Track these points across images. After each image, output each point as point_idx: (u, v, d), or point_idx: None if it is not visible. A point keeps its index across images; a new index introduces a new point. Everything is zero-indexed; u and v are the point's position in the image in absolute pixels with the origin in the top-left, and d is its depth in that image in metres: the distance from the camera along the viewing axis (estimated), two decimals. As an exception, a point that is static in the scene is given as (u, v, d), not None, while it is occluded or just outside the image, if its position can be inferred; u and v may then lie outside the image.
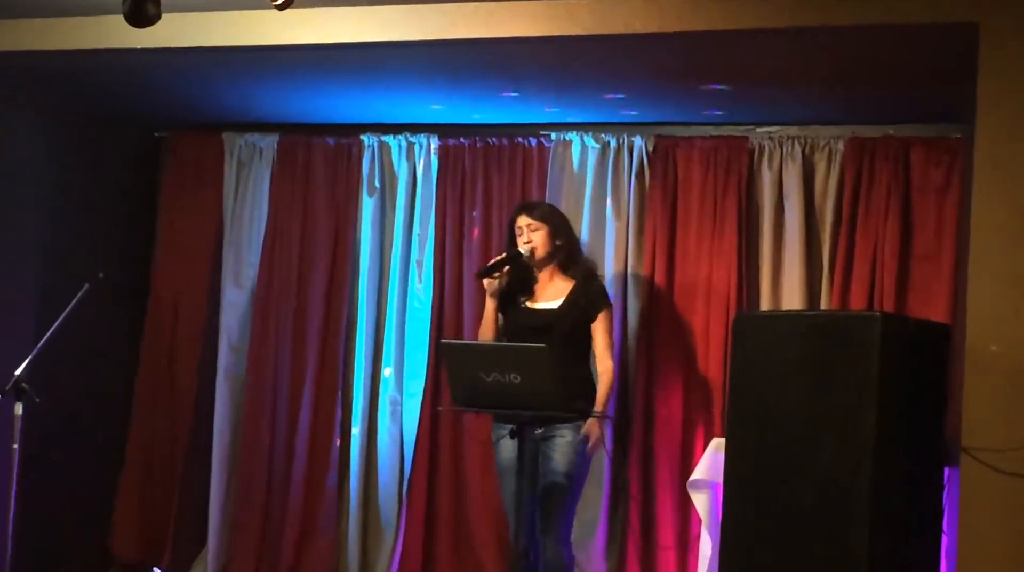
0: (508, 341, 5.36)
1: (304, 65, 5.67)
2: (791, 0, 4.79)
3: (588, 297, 5.40)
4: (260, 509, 6.67)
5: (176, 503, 6.76)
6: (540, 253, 5.43)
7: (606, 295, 5.48)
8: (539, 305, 5.44)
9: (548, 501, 5.21)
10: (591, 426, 5.18)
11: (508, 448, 5.21)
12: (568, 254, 5.47)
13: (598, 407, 5.23)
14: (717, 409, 6.10)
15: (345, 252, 6.70)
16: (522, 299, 5.46)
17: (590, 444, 5.19)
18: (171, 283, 6.90)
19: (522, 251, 5.42)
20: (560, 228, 5.47)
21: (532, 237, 5.43)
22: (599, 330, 5.37)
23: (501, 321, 5.49)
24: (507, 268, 5.42)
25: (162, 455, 6.82)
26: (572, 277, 5.45)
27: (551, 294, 5.44)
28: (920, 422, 4.65)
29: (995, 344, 4.59)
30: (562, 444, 5.22)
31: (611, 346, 5.40)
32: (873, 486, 4.34)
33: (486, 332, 5.45)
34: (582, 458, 5.25)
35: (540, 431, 5.18)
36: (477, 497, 6.41)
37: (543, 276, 5.48)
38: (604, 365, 5.34)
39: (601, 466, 6.12)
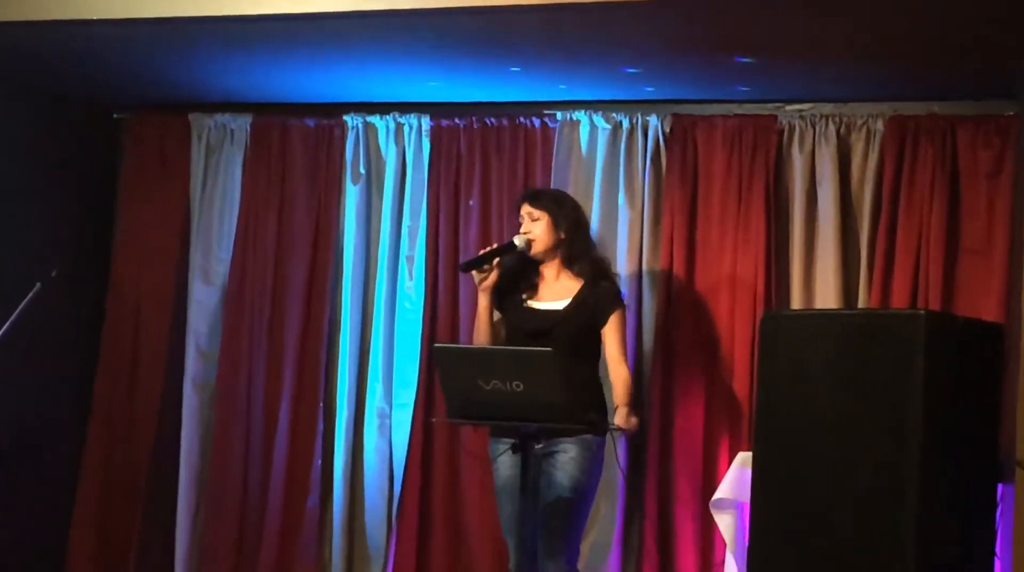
0: (507, 344, 5.35)
1: (280, 37, 5.66)
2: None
3: (597, 299, 5.39)
4: (233, 534, 6.68)
5: (138, 527, 6.76)
6: (539, 246, 5.42)
7: (619, 296, 5.46)
8: (542, 305, 5.43)
9: (552, 519, 5.21)
10: (619, 414, 5.19)
11: (507, 466, 5.22)
12: (573, 249, 5.46)
13: (620, 420, 5.20)
14: (743, 420, 6.10)
15: (327, 246, 6.71)
16: (523, 296, 5.45)
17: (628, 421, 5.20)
18: (132, 281, 6.90)
19: (516, 242, 5.42)
20: (564, 219, 5.44)
21: (531, 228, 5.42)
22: (611, 335, 5.36)
23: (500, 320, 5.48)
24: (497, 260, 5.40)
25: (122, 473, 6.82)
26: (579, 276, 5.44)
27: (557, 293, 5.44)
28: (970, 434, 4.65)
29: (1053, 346, 4.60)
30: (565, 460, 5.22)
31: (625, 352, 5.40)
32: (918, 505, 4.35)
33: (480, 334, 5.44)
34: (588, 476, 5.25)
35: (540, 446, 5.15)
36: (476, 520, 6.41)
37: (548, 273, 5.47)
38: (618, 372, 5.33)
39: (614, 484, 6.12)
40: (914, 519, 4.34)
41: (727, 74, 5.87)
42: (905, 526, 4.36)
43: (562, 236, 5.43)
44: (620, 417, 5.20)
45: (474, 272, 5.41)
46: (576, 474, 5.21)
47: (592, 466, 5.26)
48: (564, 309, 5.38)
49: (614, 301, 5.41)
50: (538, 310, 5.41)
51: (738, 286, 6.20)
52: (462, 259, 6.44)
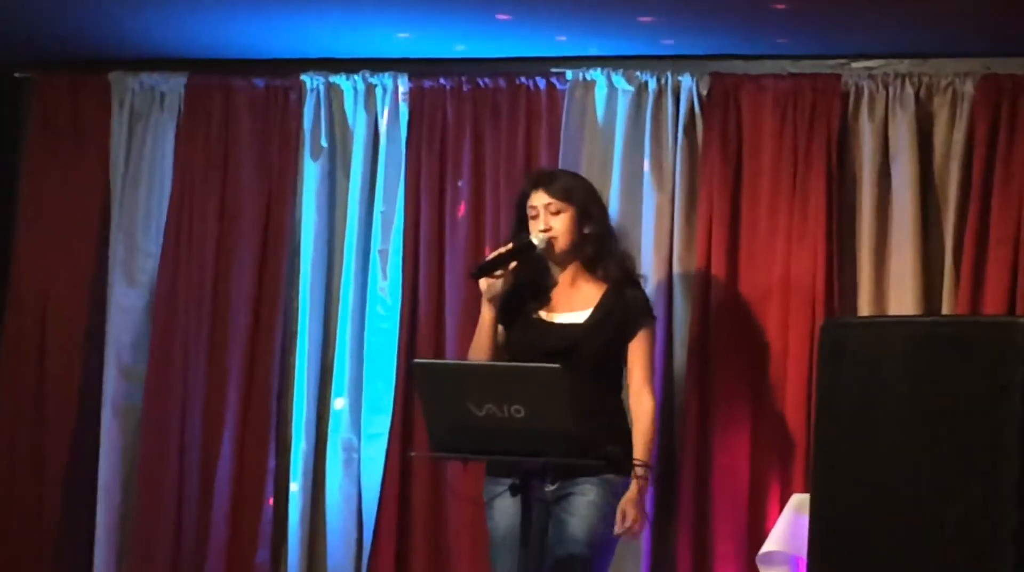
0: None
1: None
2: None
3: (626, 307, 5.38)
4: (163, 596, 6.69)
5: (46, 587, 6.77)
6: (562, 244, 5.41)
7: (650, 308, 5.47)
8: (558, 317, 5.42)
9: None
10: (627, 499, 5.18)
11: (505, 511, 5.21)
12: (598, 247, 5.45)
13: (639, 457, 5.22)
14: (798, 455, 6.12)
15: (280, 237, 6.73)
16: (533, 307, 5.44)
17: (627, 523, 5.17)
18: (37, 280, 6.93)
19: (535, 241, 5.39)
20: (590, 210, 5.44)
21: (552, 223, 5.39)
22: (638, 354, 5.38)
23: (502, 336, 5.46)
24: (514, 264, 5.38)
25: (27, 520, 6.84)
26: (603, 279, 5.43)
27: (574, 302, 5.44)
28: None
29: None
30: (582, 505, 5.22)
31: (651, 377, 5.43)
32: (1017, 554, 4.33)
33: (480, 350, 5.43)
34: (609, 523, 5.24)
35: (553, 487, 5.18)
36: (464, 577, 6.42)
37: (562, 277, 5.46)
38: (643, 403, 5.34)
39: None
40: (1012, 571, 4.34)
41: (778, 23, 5.88)
42: (1000, 583, 4.35)
43: (587, 232, 5.41)
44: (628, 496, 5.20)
45: (484, 280, 5.37)
46: (595, 522, 5.21)
47: (614, 514, 5.24)
48: (587, 321, 5.38)
49: (644, 314, 5.42)
50: (555, 325, 5.41)
51: (792, 288, 6.22)
52: (448, 253, 6.52)
